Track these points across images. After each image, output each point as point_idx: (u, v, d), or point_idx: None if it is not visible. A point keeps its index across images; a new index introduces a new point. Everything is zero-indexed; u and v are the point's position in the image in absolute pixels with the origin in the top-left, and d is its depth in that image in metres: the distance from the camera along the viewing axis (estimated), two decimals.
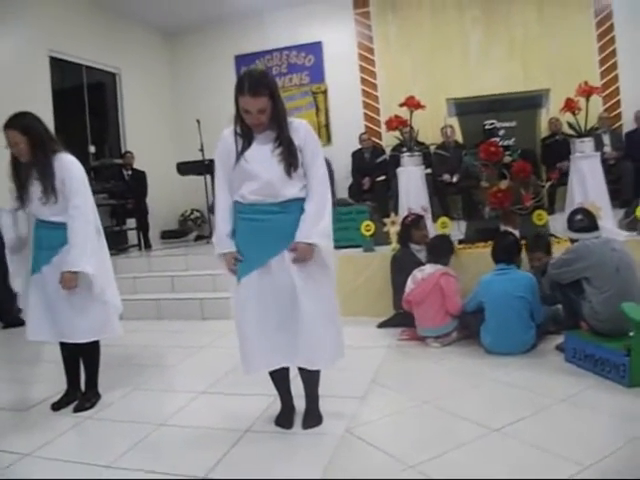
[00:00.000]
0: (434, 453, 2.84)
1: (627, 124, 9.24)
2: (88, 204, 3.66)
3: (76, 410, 3.75)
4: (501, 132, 5.81)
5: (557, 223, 6.00)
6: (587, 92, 5.73)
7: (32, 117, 3.66)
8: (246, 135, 3.05)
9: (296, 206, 3.05)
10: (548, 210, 6.98)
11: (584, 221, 4.10)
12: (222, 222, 3.13)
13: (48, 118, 7.81)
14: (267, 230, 3.01)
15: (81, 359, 3.90)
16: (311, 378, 3.27)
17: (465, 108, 6.05)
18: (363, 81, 10.37)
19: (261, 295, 3.03)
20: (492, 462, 2.75)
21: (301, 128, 3.08)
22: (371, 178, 9.33)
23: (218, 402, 3.82)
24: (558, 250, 4.67)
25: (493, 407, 3.41)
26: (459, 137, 8.32)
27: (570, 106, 5.71)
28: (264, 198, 3.00)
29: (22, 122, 3.55)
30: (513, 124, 5.84)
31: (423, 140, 9.09)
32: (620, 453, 2.71)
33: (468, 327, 4.63)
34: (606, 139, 8.82)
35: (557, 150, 8.14)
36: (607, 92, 9.35)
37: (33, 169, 3.58)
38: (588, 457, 2.67)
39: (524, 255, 4.85)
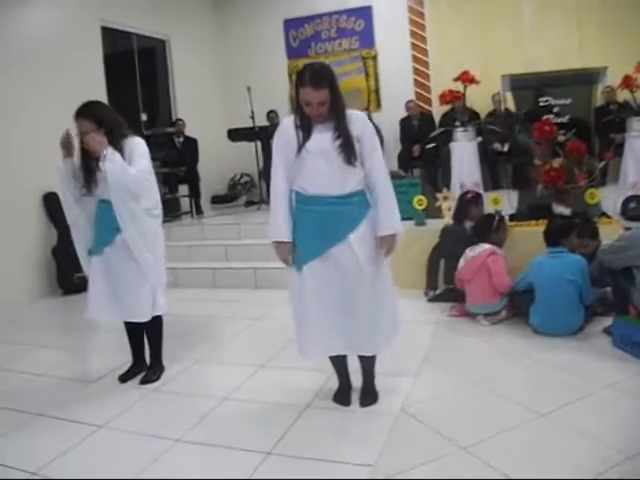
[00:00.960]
0: (484, 436, 2.97)
1: None
2: (149, 169, 3.78)
3: (143, 382, 3.96)
4: (556, 109, 5.78)
5: (609, 198, 6.00)
6: None
7: (102, 106, 3.81)
8: (306, 126, 3.13)
9: (356, 197, 3.16)
10: (600, 182, 6.99)
11: (637, 209, 4.12)
12: (279, 210, 3.20)
13: (100, 87, 8.10)
14: (329, 221, 3.11)
15: (145, 334, 4.09)
16: (369, 359, 3.42)
17: (520, 84, 6.04)
18: (413, 46, 10.26)
19: (321, 283, 3.16)
20: (539, 447, 2.87)
21: (358, 119, 3.16)
22: (420, 145, 9.33)
23: (277, 376, 3.99)
24: (608, 231, 4.70)
25: (540, 390, 3.53)
26: (510, 105, 8.28)
27: (628, 83, 5.67)
28: (326, 191, 3.11)
29: (94, 111, 3.67)
30: (568, 101, 5.80)
31: (473, 108, 9.11)
32: None
33: (517, 306, 4.71)
34: None
35: (611, 120, 8.04)
36: None
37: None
38: (631, 446, 2.77)
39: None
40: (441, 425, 3.12)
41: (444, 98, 6.34)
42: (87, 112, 3.65)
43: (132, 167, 3.63)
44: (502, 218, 5.15)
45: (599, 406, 3.26)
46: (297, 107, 3.13)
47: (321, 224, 3.12)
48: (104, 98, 8.14)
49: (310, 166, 3.10)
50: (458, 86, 6.41)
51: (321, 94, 3.00)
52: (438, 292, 5.49)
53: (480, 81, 6.27)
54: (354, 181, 3.13)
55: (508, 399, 3.39)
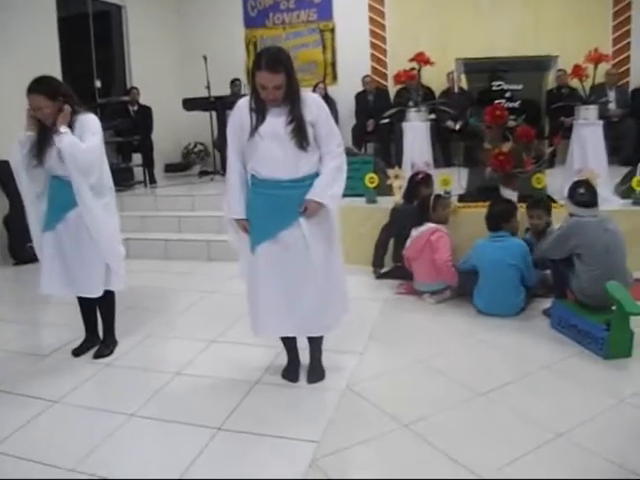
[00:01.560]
0: (424, 413, 3.14)
1: (634, 81, 9.31)
2: (97, 143, 3.78)
3: (96, 357, 4.02)
4: (507, 94, 5.91)
5: (556, 181, 6.20)
6: (596, 59, 5.85)
7: (56, 82, 3.81)
8: (260, 110, 3.20)
9: (309, 181, 3.24)
10: (549, 164, 7.19)
11: (585, 195, 4.22)
12: (234, 189, 3.31)
13: (54, 51, 7.98)
14: (282, 204, 3.20)
15: (98, 308, 4.14)
16: (317, 339, 3.57)
17: (473, 67, 6.14)
18: (371, 21, 10.32)
19: (273, 264, 3.26)
20: (476, 426, 3.04)
21: (313, 103, 3.23)
22: (375, 120, 9.43)
23: (228, 352, 4.09)
24: (555, 215, 4.90)
25: (481, 370, 3.70)
26: (464, 84, 8.41)
27: (578, 73, 5.85)
28: (279, 175, 3.19)
29: (47, 87, 3.67)
30: (520, 87, 5.93)
31: (429, 85, 9.25)
32: (591, 423, 3.00)
33: (462, 286, 4.88)
34: (612, 96, 8.85)
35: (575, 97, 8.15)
36: (617, 47, 9.40)
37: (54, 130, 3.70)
38: (562, 425, 2.97)
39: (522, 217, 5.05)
40: (384, 402, 3.27)
41: (399, 78, 6.44)
42: (40, 88, 3.65)
43: (82, 143, 3.66)
44: (439, 196, 5.27)
45: (534, 386, 3.45)
46: (253, 90, 3.20)
47: (273, 207, 3.21)
48: (57, 63, 8.07)
49: (263, 150, 3.18)
50: (414, 65, 6.49)
51: (277, 78, 3.06)
52: (386, 269, 5.63)
53: (435, 62, 6.36)
54: (307, 164, 3.22)
55: (450, 378, 3.56)
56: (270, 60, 3.07)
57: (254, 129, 3.18)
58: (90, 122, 3.78)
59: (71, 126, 3.69)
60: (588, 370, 3.63)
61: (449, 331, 4.37)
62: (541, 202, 5.13)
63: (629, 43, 9.34)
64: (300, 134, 3.15)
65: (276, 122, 3.16)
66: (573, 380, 3.50)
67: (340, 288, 3.45)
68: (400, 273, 5.37)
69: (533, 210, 5.03)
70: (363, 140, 9.79)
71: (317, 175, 3.26)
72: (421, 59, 6.22)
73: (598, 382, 3.47)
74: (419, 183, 5.62)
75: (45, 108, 3.64)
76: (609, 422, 3.04)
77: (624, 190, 6.01)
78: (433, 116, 8.72)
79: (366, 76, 10.00)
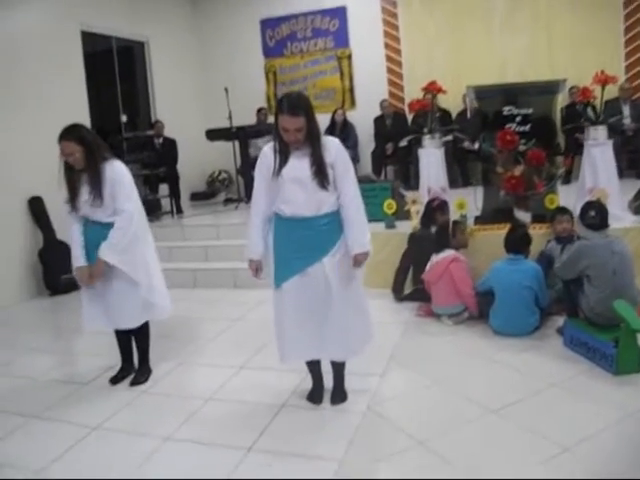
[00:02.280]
0: (440, 431, 3.35)
1: None
2: (136, 207, 4.11)
3: (132, 384, 4.28)
4: (518, 118, 6.10)
5: (570, 197, 6.35)
6: (603, 81, 6.04)
7: (84, 128, 4.10)
8: (283, 152, 3.46)
9: (331, 218, 3.50)
10: (564, 179, 7.36)
11: (595, 218, 4.41)
12: (255, 230, 3.58)
13: (81, 90, 8.34)
14: (306, 241, 3.46)
15: (133, 338, 4.41)
16: (340, 364, 3.80)
17: (484, 93, 6.34)
18: (387, 46, 10.54)
19: (299, 298, 3.51)
20: (488, 442, 3.24)
21: (333, 146, 3.49)
22: (393, 144, 9.66)
23: (256, 377, 4.32)
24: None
25: (495, 388, 3.89)
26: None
27: (585, 95, 6.05)
28: (302, 212, 3.44)
29: (77, 133, 3.96)
30: (530, 111, 6.12)
31: (445, 106, 9.47)
32: (597, 438, 3.18)
33: (478, 307, 5.08)
34: (626, 110, 8.98)
35: (581, 118, 8.31)
36: (629, 61, 9.53)
37: (84, 175, 4.00)
38: (569, 440, 3.15)
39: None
40: (403, 422, 3.49)
41: (412, 107, 6.67)
42: (70, 135, 3.94)
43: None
44: (456, 222, 5.53)
45: (546, 403, 3.64)
46: (276, 134, 3.45)
47: (298, 244, 3.46)
48: (85, 101, 8.40)
49: (287, 190, 3.43)
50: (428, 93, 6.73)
51: (297, 121, 3.31)
52: (407, 292, 5.84)
53: (447, 90, 6.59)
54: (328, 203, 3.47)
55: (465, 398, 3.75)
56: (291, 104, 3.33)
57: (278, 170, 3.44)
58: (122, 177, 4.05)
59: (100, 172, 3.97)
60: (597, 386, 3.80)
61: (466, 352, 4.56)
62: (567, 210, 5.37)
63: None
64: (322, 175, 3.40)
65: (299, 164, 3.42)
66: (583, 396, 3.68)
67: (363, 316, 3.70)
68: (419, 295, 5.57)
69: (561, 216, 5.26)
70: (383, 163, 10.02)
71: (337, 213, 3.52)
72: (433, 88, 6.45)
73: (607, 398, 3.64)
74: (435, 209, 5.83)
75: (76, 153, 3.93)
76: (616, 437, 3.20)
77: (637, 206, 6.16)
78: (450, 137, 8.97)
79: (384, 100, 10.22)
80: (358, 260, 3.51)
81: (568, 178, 8.07)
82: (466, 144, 9.02)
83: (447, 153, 7.52)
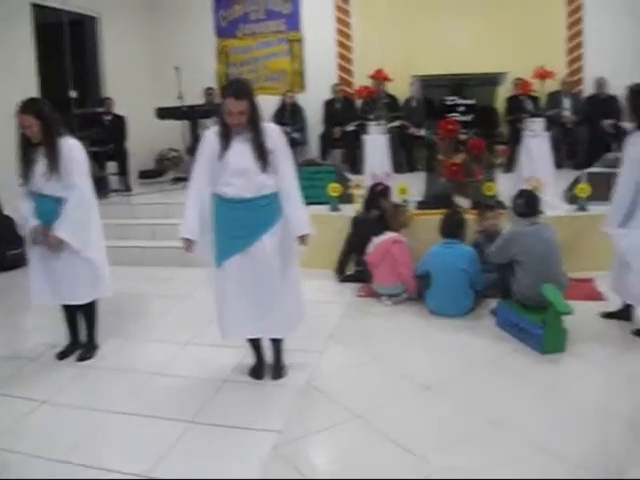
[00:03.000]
0: (376, 406, 3.55)
1: (588, 89, 9.72)
2: (87, 183, 4.18)
3: (79, 360, 4.38)
4: (461, 108, 6.30)
5: (509, 187, 6.59)
6: (541, 76, 6.31)
7: (43, 103, 4.15)
8: (226, 135, 3.62)
9: (270, 199, 3.68)
10: (507, 168, 7.62)
11: (523, 206, 4.66)
12: (192, 210, 3.71)
13: (30, 63, 8.26)
14: (246, 221, 3.62)
15: (81, 314, 4.48)
16: (278, 340, 3.98)
17: (428, 83, 6.53)
18: (339, 32, 10.63)
19: (240, 276, 3.68)
20: (422, 416, 3.47)
21: (274, 133, 3.69)
22: (341, 128, 9.82)
23: (200, 353, 4.46)
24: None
25: (430, 366, 4.14)
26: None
27: (525, 88, 6.30)
28: (244, 193, 3.60)
29: (35, 107, 4.02)
30: (472, 101, 6.32)
31: (393, 92, 9.66)
32: (522, 411, 3.44)
33: (417, 289, 5.29)
34: (567, 103, 9.33)
35: (522, 110, 8.57)
36: (571, 57, 9.85)
37: (41, 149, 4.07)
38: (498, 414, 3.40)
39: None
40: (340, 396, 3.68)
41: (359, 94, 6.84)
42: (30, 109, 3.99)
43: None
44: (398, 206, 5.79)
45: (475, 379, 3.89)
46: (220, 117, 3.61)
47: (239, 224, 3.62)
48: (34, 74, 8.35)
49: (229, 174, 3.59)
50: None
51: (241, 105, 3.49)
52: (349, 273, 6.04)
53: (393, 79, 6.77)
54: (268, 186, 3.65)
55: (402, 374, 3.96)
56: (236, 88, 3.55)
57: (221, 153, 3.59)
58: (76, 154, 4.12)
59: (55, 147, 4.03)
60: (526, 364, 4.06)
61: (403, 331, 4.78)
62: (494, 206, 5.59)
63: (581, 54, 9.80)
64: (262, 159, 3.58)
65: (241, 148, 3.59)
66: (512, 373, 3.94)
67: (297, 296, 3.90)
68: (361, 277, 5.77)
69: (487, 213, 5.48)
70: (330, 147, 10.16)
71: (276, 195, 3.70)
72: (379, 76, 6.61)
73: (534, 375, 3.91)
74: (378, 195, 6.02)
75: (33, 126, 3.97)
76: (541, 410, 3.47)
77: (571, 196, 6.44)
78: (397, 123, 9.17)
79: (336, 84, 10.34)
80: (302, 240, 3.72)
81: (510, 167, 8.33)
82: (412, 130, 9.25)
83: (394, 139, 7.72)
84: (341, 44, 10.67)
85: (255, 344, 3.99)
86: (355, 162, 9.32)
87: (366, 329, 4.90)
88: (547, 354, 4.14)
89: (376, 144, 6.80)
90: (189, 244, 3.74)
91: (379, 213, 5.73)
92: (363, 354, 4.32)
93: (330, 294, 5.69)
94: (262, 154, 3.57)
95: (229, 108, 3.50)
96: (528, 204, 4.67)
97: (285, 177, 3.68)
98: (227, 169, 3.58)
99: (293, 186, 3.71)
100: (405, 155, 9.67)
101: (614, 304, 4.76)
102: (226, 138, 3.61)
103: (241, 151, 3.57)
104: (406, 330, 4.80)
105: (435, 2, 10.10)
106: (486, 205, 5.63)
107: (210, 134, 3.69)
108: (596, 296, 5.19)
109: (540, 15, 9.74)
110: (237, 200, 3.61)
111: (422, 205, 6.38)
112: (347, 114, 9.85)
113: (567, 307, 4.14)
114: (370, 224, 5.72)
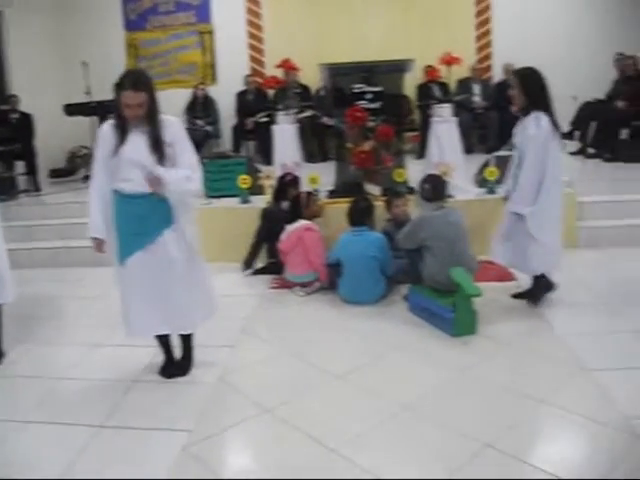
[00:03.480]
0: (286, 398, 3.57)
1: (497, 75, 9.97)
2: None
3: None
4: (369, 95, 6.35)
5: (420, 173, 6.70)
6: (448, 62, 6.42)
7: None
8: (123, 129, 3.54)
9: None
10: (419, 154, 7.74)
11: (430, 191, 4.73)
12: (95, 208, 3.66)
13: None
14: (145, 217, 3.56)
15: None
16: (186, 336, 3.95)
17: (336, 71, 6.55)
18: (249, 23, 10.62)
19: (142, 273, 3.63)
20: (331, 406, 3.50)
21: (172, 126, 3.62)
22: (254, 119, 9.77)
23: (111, 354, 4.38)
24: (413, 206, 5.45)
25: (342, 355, 4.17)
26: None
27: (432, 74, 6.41)
28: (141, 188, 3.52)
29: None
30: (380, 88, 6.37)
31: (306, 82, 9.69)
32: (433, 394, 3.53)
33: (329, 278, 5.33)
34: (476, 89, 9.58)
35: (430, 96, 8.71)
36: (480, 44, 10.12)
37: None
38: (408, 397, 3.47)
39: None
40: (251, 391, 3.69)
41: (269, 83, 6.82)
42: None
43: None
44: (309, 194, 5.81)
45: (387, 365, 3.96)
46: (117, 111, 3.54)
47: (139, 220, 3.56)
48: None
49: (125, 169, 3.52)
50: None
51: (139, 97, 3.42)
52: (261, 266, 6.03)
53: (301, 68, 6.76)
54: None
55: (313, 365, 3.99)
56: (134, 80, 3.45)
57: (117, 147, 3.51)
58: None
59: None
60: (437, 347, 4.17)
61: (316, 321, 4.82)
62: (402, 193, 5.65)
63: (490, 41, 10.05)
64: (158, 152, 3.51)
65: (138, 142, 3.51)
66: (423, 357, 4.03)
67: (205, 290, 3.85)
68: (274, 268, 5.79)
69: (395, 201, 5.54)
70: (243, 139, 10.11)
71: None
72: (286, 66, 6.61)
73: (445, 357, 4.01)
74: (287, 185, 6.04)
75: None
76: (452, 391, 3.57)
77: (481, 180, 6.60)
78: (309, 113, 9.20)
79: (248, 75, 10.30)
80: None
81: (422, 153, 8.47)
82: (324, 119, 9.28)
83: (305, 128, 7.74)
84: (252, 35, 10.66)
85: (163, 341, 3.94)
86: (268, 153, 9.26)
87: (278, 321, 4.92)
88: (458, 336, 4.24)
89: (285, 134, 6.82)
90: (99, 243, 3.67)
91: (291, 203, 5.72)
92: (275, 346, 4.34)
93: (242, 287, 5.68)
94: (158, 146, 3.50)
95: (126, 101, 3.42)
96: (434, 188, 4.74)
97: (186, 166, 3.58)
98: (122, 165, 3.51)
99: (195, 175, 3.60)
100: (317, 144, 9.71)
101: (524, 285, 4.94)
102: (122, 131, 3.53)
103: (137, 146, 3.49)
104: (319, 320, 4.83)
105: None
106: (394, 192, 5.70)
107: (106, 128, 3.60)
108: (507, 277, 5.32)
109: (450, 3, 9.98)
110: (135, 195, 3.54)
111: (333, 194, 6.42)
112: (260, 105, 9.80)
113: (476, 289, 4.25)
114: (280, 215, 5.73)
